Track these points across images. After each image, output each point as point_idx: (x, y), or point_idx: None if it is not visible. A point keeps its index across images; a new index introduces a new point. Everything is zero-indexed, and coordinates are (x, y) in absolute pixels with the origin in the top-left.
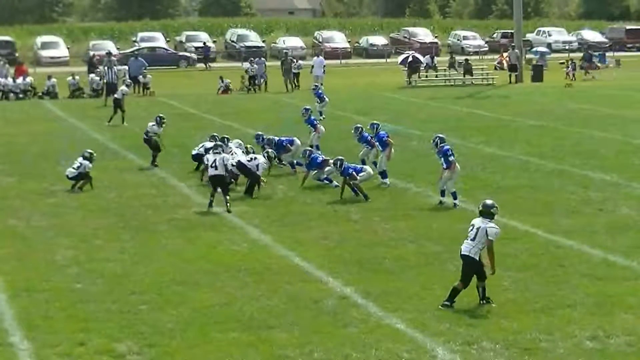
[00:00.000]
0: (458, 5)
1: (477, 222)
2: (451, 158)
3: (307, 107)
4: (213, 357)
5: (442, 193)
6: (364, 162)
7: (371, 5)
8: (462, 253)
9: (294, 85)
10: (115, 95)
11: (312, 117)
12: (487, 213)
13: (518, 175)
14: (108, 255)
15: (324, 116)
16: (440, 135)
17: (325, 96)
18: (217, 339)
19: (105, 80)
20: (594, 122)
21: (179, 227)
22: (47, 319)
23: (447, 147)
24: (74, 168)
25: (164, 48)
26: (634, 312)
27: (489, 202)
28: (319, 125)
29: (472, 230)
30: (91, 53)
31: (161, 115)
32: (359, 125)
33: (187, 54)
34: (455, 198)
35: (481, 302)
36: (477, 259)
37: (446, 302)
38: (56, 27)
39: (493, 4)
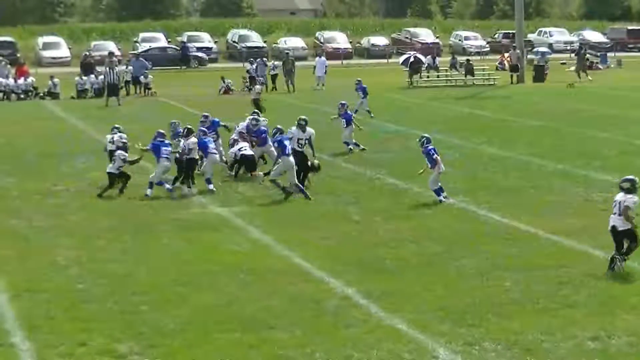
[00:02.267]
0: (459, 5)
1: (619, 196)
2: (435, 156)
3: (343, 101)
4: (214, 357)
5: (437, 192)
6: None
7: (372, 6)
8: (617, 229)
9: (275, 87)
10: (253, 97)
11: (349, 112)
12: (625, 188)
13: (520, 176)
14: (109, 256)
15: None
16: (427, 136)
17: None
18: (218, 340)
19: (106, 81)
20: (596, 122)
21: (180, 228)
22: (49, 319)
23: (431, 147)
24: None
25: (174, 47)
26: (635, 313)
27: (628, 177)
28: (354, 121)
29: (615, 205)
30: (84, 54)
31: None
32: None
33: (198, 54)
34: (438, 195)
35: (623, 257)
36: (628, 227)
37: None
38: (57, 28)
39: (494, 4)
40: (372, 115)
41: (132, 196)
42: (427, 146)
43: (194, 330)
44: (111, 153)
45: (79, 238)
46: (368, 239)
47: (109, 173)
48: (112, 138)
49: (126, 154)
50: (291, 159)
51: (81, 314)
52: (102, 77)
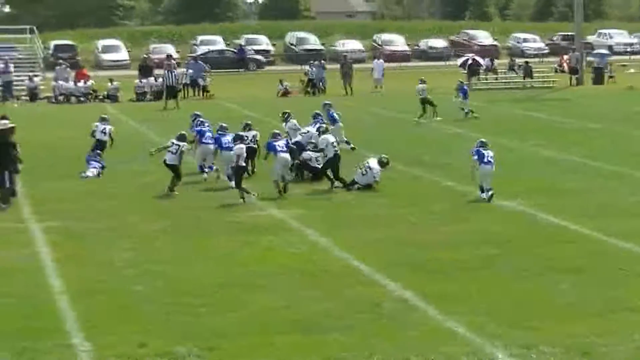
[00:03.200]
0: (518, 7)
1: None
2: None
3: (327, 101)
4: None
5: (482, 189)
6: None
7: (430, 8)
8: None
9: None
10: (421, 96)
11: (332, 112)
12: None
13: (576, 178)
14: (166, 257)
15: (475, 114)
16: (482, 140)
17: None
18: (277, 342)
19: (165, 84)
20: None
21: (237, 230)
22: (107, 320)
23: (478, 149)
24: (172, 152)
25: (232, 50)
26: None
27: None
28: (339, 121)
29: None
30: (142, 56)
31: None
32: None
33: (256, 57)
34: (483, 191)
35: None
36: None
37: None
38: (117, 31)
39: (553, 6)
40: (478, 115)
41: (189, 198)
42: (478, 149)
43: (253, 332)
44: (100, 142)
45: (135, 239)
46: (425, 241)
47: (171, 165)
48: (105, 128)
49: (188, 147)
50: (230, 153)
51: (139, 315)
52: (160, 79)
